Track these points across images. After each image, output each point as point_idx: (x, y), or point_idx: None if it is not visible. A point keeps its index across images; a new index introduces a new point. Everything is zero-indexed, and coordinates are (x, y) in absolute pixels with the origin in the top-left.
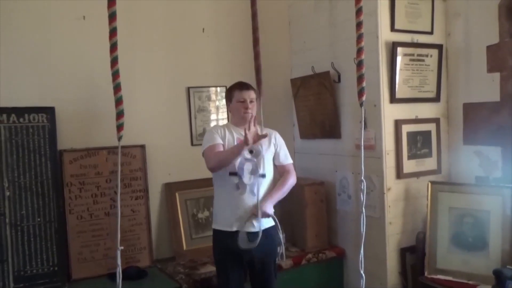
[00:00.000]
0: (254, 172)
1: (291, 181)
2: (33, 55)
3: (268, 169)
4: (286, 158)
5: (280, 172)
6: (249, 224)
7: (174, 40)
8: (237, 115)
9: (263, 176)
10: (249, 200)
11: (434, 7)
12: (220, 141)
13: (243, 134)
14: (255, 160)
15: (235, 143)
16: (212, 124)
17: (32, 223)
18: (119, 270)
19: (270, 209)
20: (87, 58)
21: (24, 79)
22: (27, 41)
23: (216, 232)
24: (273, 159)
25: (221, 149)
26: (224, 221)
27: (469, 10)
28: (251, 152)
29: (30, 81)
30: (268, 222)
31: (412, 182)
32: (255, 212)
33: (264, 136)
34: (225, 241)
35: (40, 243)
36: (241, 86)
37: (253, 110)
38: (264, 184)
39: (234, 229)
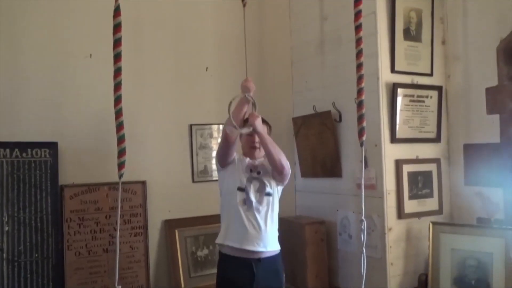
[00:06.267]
0: (261, 190)
1: (282, 154)
2: (39, 91)
3: (274, 189)
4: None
5: None
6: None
7: (178, 78)
8: (245, 147)
9: (269, 194)
10: (254, 218)
11: (433, 50)
12: None
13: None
14: (262, 178)
15: (246, 167)
16: (213, 161)
17: (29, 259)
18: None
19: (259, 121)
20: (92, 95)
21: (29, 114)
22: (33, 76)
23: (221, 248)
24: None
25: None
26: (229, 237)
27: (468, 53)
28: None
29: (34, 115)
30: (274, 246)
31: (413, 222)
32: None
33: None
34: (229, 262)
35: (36, 279)
36: None
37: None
38: (269, 203)
39: (237, 245)
